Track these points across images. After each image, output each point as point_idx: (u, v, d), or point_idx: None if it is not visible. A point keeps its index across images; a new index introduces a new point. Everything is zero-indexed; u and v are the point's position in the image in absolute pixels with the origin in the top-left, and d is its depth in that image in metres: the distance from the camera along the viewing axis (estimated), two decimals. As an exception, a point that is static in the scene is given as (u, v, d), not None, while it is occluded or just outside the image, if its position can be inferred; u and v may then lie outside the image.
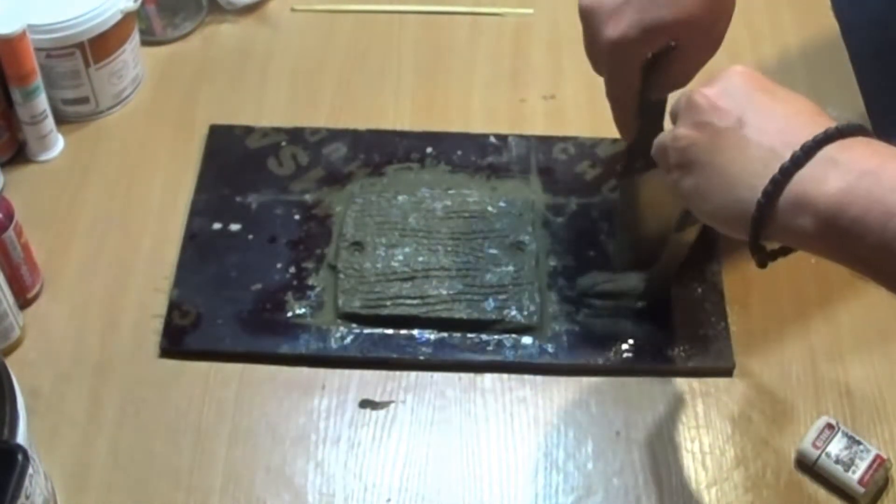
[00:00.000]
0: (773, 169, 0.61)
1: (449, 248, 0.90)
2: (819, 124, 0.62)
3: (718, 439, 0.81)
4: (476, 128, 1.01)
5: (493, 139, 0.99)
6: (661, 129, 0.84)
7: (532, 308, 0.86)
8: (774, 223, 0.62)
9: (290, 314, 0.86)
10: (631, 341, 0.85)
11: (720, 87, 0.66)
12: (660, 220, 0.85)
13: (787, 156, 0.61)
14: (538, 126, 1.01)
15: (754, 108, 0.64)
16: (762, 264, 0.66)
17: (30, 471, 0.67)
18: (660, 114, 0.84)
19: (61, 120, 0.99)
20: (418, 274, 0.88)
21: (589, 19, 0.79)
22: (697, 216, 0.69)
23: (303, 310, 0.87)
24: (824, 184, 0.60)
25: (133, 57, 1.02)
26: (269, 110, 1.02)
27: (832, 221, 0.59)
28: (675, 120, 0.70)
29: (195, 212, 0.93)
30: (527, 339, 0.85)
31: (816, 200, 0.60)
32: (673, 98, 0.73)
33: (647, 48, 0.78)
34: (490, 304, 0.86)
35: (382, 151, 0.98)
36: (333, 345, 0.85)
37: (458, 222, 0.91)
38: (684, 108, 0.68)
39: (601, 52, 0.79)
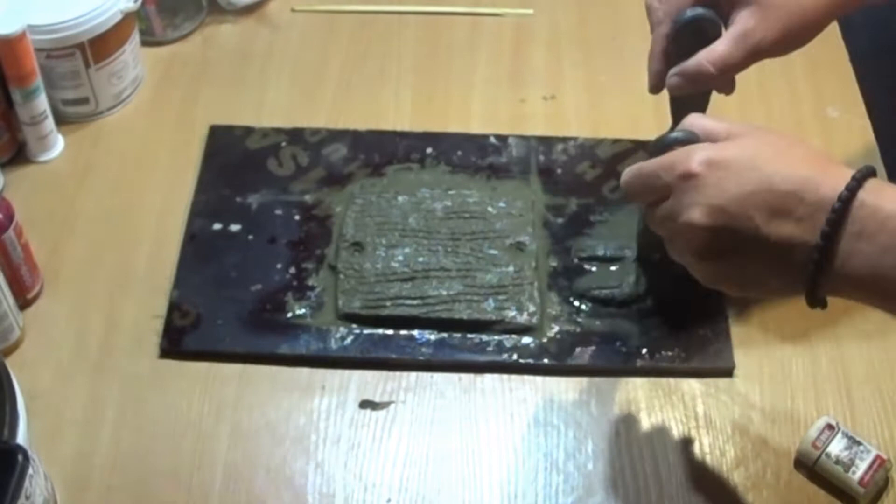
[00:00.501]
0: (807, 259, 0.62)
1: (449, 249, 0.89)
2: (828, 185, 0.62)
3: (718, 439, 0.81)
4: (476, 128, 1.01)
5: (493, 139, 0.99)
6: None
7: (532, 308, 0.86)
8: (823, 294, 0.65)
9: (290, 314, 0.86)
10: (631, 341, 0.85)
11: (718, 185, 0.64)
12: None
13: (812, 242, 0.62)
14: (538, 126, 1.01)
15: (761, 200, 0.63)
16: (823, 307, 0.67)
17: (30, 471, 0.67)
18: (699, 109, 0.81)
19: (61, 120, 0.99)
20: (418, 274, 0.88)
21: None
22: (725, 292, 0.71)
23: (303, 310, 0.87)
24: (852, 262, 0.62)
25: (133, 57, 1.02)
26: (269, 111, 1.02)
27: (871, 291, 0.63)
28: (671, 168, 0.66)
29: (195, 212, 0.93)
30: (527, 340, 0.85)
31: (849, 277, 0.62)
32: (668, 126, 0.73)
33: None
34: (490, 304, 0.86)
35: (382, 152, 0.98)
36: (333, 345, 0.85)
37: (458, 223, 0.91)
38: (682, 188, 0.64)
39: None
